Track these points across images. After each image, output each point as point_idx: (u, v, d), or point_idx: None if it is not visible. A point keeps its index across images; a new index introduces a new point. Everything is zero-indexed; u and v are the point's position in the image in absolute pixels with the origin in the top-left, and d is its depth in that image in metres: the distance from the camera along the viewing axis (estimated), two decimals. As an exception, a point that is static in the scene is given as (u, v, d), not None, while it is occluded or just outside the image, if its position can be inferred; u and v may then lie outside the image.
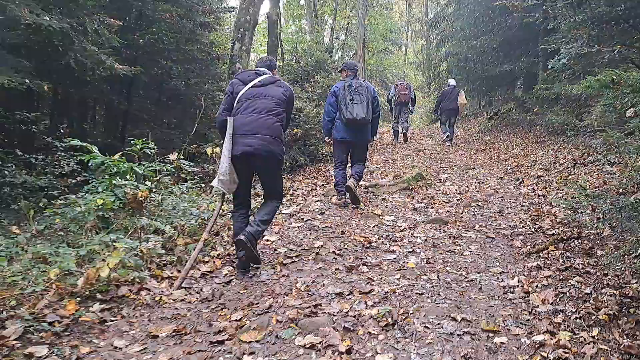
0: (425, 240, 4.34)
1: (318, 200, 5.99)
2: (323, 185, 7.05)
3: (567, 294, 3.13)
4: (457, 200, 5.98)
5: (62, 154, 6.30)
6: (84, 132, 11.18)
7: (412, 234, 4.53)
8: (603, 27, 5.46)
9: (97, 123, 12.05)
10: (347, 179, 5.59)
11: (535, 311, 2.89)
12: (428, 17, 24.50)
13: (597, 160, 6.71)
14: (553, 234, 4.35)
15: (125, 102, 10.89)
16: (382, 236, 4.43)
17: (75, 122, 11.50)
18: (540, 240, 4.23)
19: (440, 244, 4.21)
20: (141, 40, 10.86)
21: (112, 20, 9.19)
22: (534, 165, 7.92)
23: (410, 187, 6.36)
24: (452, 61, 14.99)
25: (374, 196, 6.10)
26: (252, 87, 3.74)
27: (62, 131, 7.06)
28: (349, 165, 5.84)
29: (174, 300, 3.22)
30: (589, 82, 4.08)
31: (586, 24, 5.42)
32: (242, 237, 3.49)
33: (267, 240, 4.38)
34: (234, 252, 3.98)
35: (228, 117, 3.67)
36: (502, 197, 6.11)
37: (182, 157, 5.29)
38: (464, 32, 14.21)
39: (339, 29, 28.76)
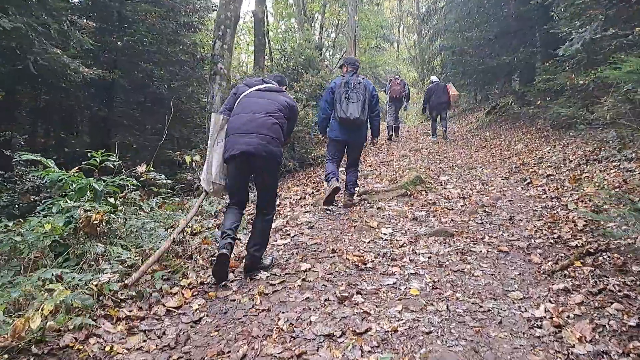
0: (429, 257, 3.75)
1: (307, 212, 5.40)
2: (313, 193, 6.46)
3: (607, 327, 2.56)
4: (462, 206, 5.41)
5: (23, 168, 5.72)
6: (64, 141, 10.57)
7: (413, 249, 3.95)
8: (622, 6, 4.87)
9: (81, 132, 11.42)
10: (338, 176, 5.50)
11: (573, 354, 2.32)
12: (419, 11, 23.91)
13: (612, 156, 6.14)
14: (576, 246, 3.77)
15: (105, 109, 10.28)
16: (378, 254, 3.84)
17: (54, 132, 10.90)
18: (562, 254, 3.66)
19: (447, 262, 3.63)
20: (119, 43, 10.26)
21: (86, 21, 8.61)
22: (541, 162, 7.35)
23: (409, 193, 5.78)
24: (447, 55, 14.42)
25: (368, 205, 5.51)
26: (256, 90, 3.72)
27: (22, 143, 6.44)
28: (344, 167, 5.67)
29: (127, 349, 2.63)
30: (614, 70, 3.51)
31: (603, 2, 4.83)
32: (224, 251, 3.32)
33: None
34: (208, 279, 3.51)
35: (214, 114, 3.74)
36: (511, 200, 5.53)
37: (151, 170, 4.68)
38: (458, 24, 13.65)
39: (330, 27, 28.23)
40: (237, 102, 3.71)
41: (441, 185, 6.58)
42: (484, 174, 7.37)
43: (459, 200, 5.69)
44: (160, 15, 11.01)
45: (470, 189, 6.35)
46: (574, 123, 8.93)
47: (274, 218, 4.19)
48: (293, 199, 6.09)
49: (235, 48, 15.61)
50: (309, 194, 6.37)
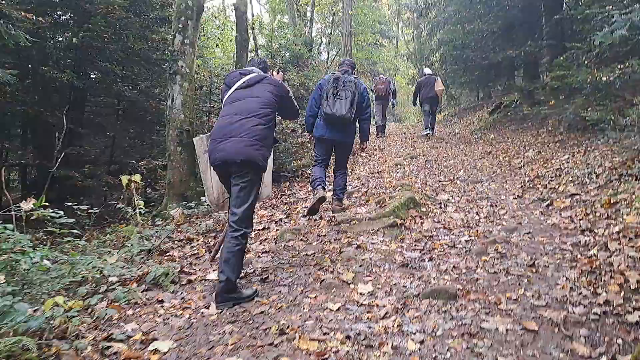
0: (422, 342, 2.54)
1: (265, 252, 4.17)
2: (281, 220, 5.23)
3: None
4: (467, 241, 4.18)
5: None
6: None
7: (399, 325, 2.72)
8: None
9: (26, 140, 10.19)
10: (325, 181, 5.08)
11: None
12: (418, 4, 22.65)
13: (653, 170, 4.93)
14: (638, 324, 2.56)
15: (59, 113, 9.05)
16: (348, 336, 2.62)
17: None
18: (620, 338, 2.44)
19: (449, 355, 2.41)
20: (74, 40, 9.04)
21: (23, 14, 7.41)
22: (560, 176, 6.13)
23: (399, 222, 4.55)
24: (447, 49, 13.18)
25: (346, 240, 4.28)
26: (235, 89, 3.49)
27: None
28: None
29: None
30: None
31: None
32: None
33: None
34: None
35: (196, 138, 3.77)
36: (530, 233, 4.30)
37: (45, 203, 3.45)
38: (459, 15, 12.40)
39: (324, 22, 27.04)
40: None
41: (440, 207, 5.36)
42: (491, 190, 6.15)
43: (462, 232, 4.47)
44: (126, 8, 9.80)
45: (476, 213, 5.13)
46: (594, 127, 7.72)
47: (250, 235, 3.60)
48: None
49: (217, 45, 14.39)
50: (277, 222, 5.15)
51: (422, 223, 4.76)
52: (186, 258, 4.19)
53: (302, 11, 20.13)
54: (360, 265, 3.62)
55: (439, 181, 6.83)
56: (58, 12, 9.61)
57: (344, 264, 3.67)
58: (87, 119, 10.08)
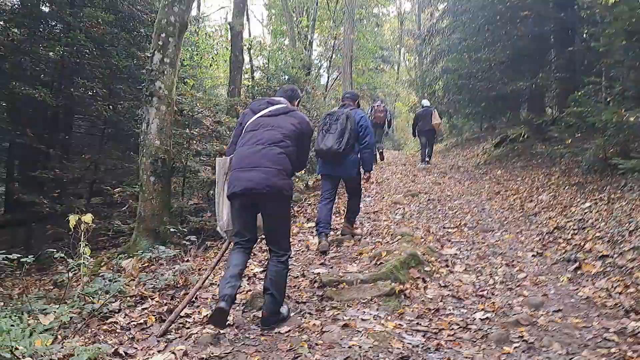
0: None
1: (228, 324, 3.29)
2: (255, 275, 4.35)
3: None
4: (482, 320, 3.34)
5: None
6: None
7: None
8: None
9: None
10: (330, 225, 5.03)
11: None
12: (421, 30, 22.22)
13: None
14: None
15: (31, 133, 8.24)
16: None
17: None
18: None
19: None
20: (51, 54, 8.31)
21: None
22: (584, 229, 5.32)
23: (398, 289, 3.70)
24: (451, 78, 12.51)
25: (331, 312, 3.42)
26: (260, 116, 3.45)
27: None
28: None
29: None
30: None
31: None
32: (223, 305, 2.98)
33: None
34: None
35: (219, 159, 3.63)
36: (560, 311, 3.47)
37: None
38: (465, 43, 11.76)
39: (324, 46, 26.66)
40: (242, 131, 3.47)
41: (446, 265, 4.53)
42: (505, 243, 5.34)
43: (475, 304, 3.64)
44: (111, 23, 9.15)
45: (490, 275, 4.31)
46: (615, 171, 6.95)
47: (289, 258, 3.49)
48: (196, 316, 3.91)
49: (210, 65, 13.73)
50: (250, 277, 4.27)
51: (425, 288, 3.93)
52: (129, 329, 3.33)
53: (303, 34, 19.63)
54: (347, 358, 2.76)
55: (444, 227, 6.01)
56: (41, 24, 8.93)
57: (324, 354, 2.82)
58: (64, 139, 9.28)
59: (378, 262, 4.27)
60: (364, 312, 3.37)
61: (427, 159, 12.08)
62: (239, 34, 12.77)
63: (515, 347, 2.94)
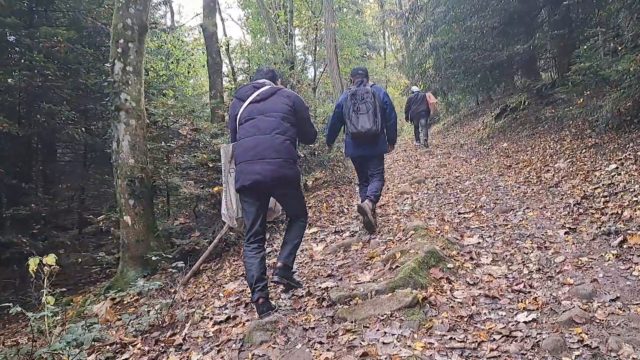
0: None
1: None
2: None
3: None
4: (526, 322, 2.75)
5: None
6: None
7: None
8: None
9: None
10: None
11: None
12: (403, 9, 21.55)
13: None
14: None
15: None
16: None
17: None
18: None
19: None
20: (10, 80, 7.70)
21: None
22: (616, 194, 4.72)
23: (421, 297, 3.10)
24: (442, 52, 11.88)
25: (345, 337, 2.81)
26: (250, 103, 3.37)
27: None
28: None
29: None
30: None
31: None
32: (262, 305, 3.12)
33: None
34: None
35: (223, 146, 3.59)
36: (618, 299, 2.87)
37: None
38: (452, 13, 11.10)
39: (306, 39, 26.07)
40: (237, 122, 3.41)
41: (471, 258, 3.93)
42: (530, 223, 4.74)
43: (514, 303, 3.05)
44: (74, 40, 8.56)
45: (523, 263, 3.72)
46: (632, 125, 6.37)
47: (307, 219, 3.79)
48: (208, 330, 3.36)
49: (188, 72, 13.13)
50: (247, 304, 3.67)
51: (452, 290, 3.33)
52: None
53: (283, 29, 18.97)
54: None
55: (459, 213, 5.41)
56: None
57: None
58: (40, 170, 8.71)
59: (393, 266, 3.67)
60: (385, 332, 2.77)
61: (424, 140, 12.16)
62: (212, 34, 12.12)
63: (577, 356, 2.35)
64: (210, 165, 5.51)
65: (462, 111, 18.12)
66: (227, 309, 3.62)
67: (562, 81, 8.44)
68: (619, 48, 6.26)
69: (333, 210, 6.34)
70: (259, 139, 3.23)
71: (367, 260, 4.11)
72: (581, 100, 6.88)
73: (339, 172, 8.57)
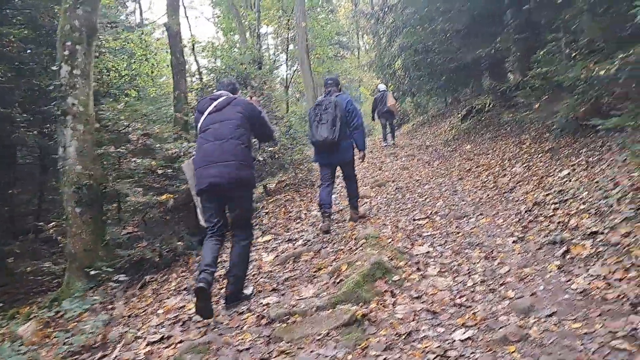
0: None
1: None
2: (191, 319, 3.60)
3: None
4: (462, 340, 2.70)
5: None
6: None
7: None
8: None
9: None
10: (331, 204, 5.30)
11: None
12: (374, 9, 21.57)
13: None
14: None
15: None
16: None
17: None
18: None
19: None
20: (-47, 82, 7.36)
21: None
22: (565, 201, 4.76)
23: (360, 314, 3.03)
24: (408, 54, 11.89)
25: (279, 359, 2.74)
26: (208, 114, 3.65)
27: None
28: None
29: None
30: None
31: None
32: (202, 284, 3.22)
33: None
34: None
35: (185, 163, 3.88)
36: (555, 314, 2.85)
37: None
38: (418, 15, 11.12)
39: (278, 37, 25.90)
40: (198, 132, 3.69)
41: (418, 269, 3.88)
42: (481, 230, 4.74)
43: (454, 318, 3.01)
44: (29, 39, 8.23)
45: (469, 275, 3.69)
46: (587, 130, 6.46)
47: (251, 242, 3.85)
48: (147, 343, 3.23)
49: (152, 72, 12.83)
50: (185, 322, 3.53)
51: (394, 304, 3.28)
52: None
53: (253, 28, 18.76)
54: None
55: (414, 220, 5.39)
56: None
57: None
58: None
59: (338, 280, 3.61)
60: (318, 354, 2.69)
61: (391, 140, 12.60)
62: (176, 34, 11.84)
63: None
64: (160, 172, 5.34)
65: (431, 112, 18.25)
66: (163, 327, 3.49)
67: (523, 84, 8.52)
68: (574, 54, 6.33)
69: (290, 216, 6.25)
70: (216, 145, 3.46)
71: (315, 272, 4.03)
72: (538, 105, 6.95)
73: (302, 175, 8.48)
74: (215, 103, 3.67)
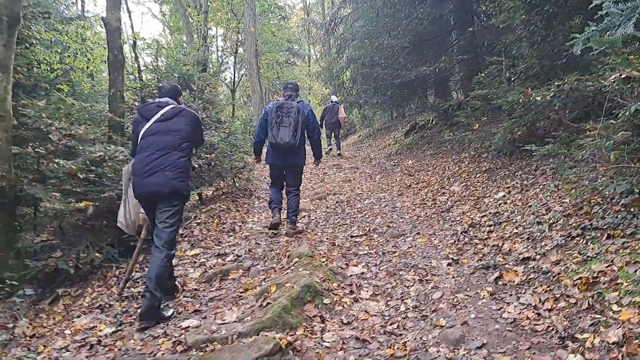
0: None
1: None
2: (102, 341, 3.24)
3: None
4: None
5: None
6: None
7: None
8: None
9: None
10: (281, 203, 5.49)
11: None
12: (325, 19, 21.64)
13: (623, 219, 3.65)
14: None
15: None
16: None
17: None
18: None
19: None
20: None
21: None
22: (500, 224, 4.78)
23: (285, 342, 2.80)
24: (356, 67, 11.90)
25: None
26: (155, 122, 3.66)
27: None
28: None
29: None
30: None
31: None
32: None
33: None
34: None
35: (127, 167, 3.94)
36: (484, 346, 2.76)
37: None
38: (365, 29, 11.17)
39: (228, 40, 25.42)
40: (139, 139, 3.66)
41: (351, 291, 3.72)
42: (417, 250, 4.66)
43: (383, 346, 2.85)
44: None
45: (402, 298, 3.57)
46: (521, 153, 6.62)
47: (173, 255, 3.67)
48: None
49: (87, 67, 12.09)
50: (95, 344, 3.19)
51: (323, 330, 3.09)
52: None
53: (201, 29, 18.21)
54: None
55: (352, 236, 5.25)
56: None
57: None
58: None
59: (265, 303, 3.36)
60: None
61: (337, 151, 12.74)
62: (115, 30, 11.20)
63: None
64: (81, 177, 4.89)
65: (377, 125, 18.44)
66: (68, 351, 3.11)
67: (465, 104, 8.69)
68: (513, 78, 6.48)
69: (224, 227, 5.94)
70: (157, 155, 3.52)
71: (242, 292, 3.77)
72: (477, 126, 7.06)
73: (240, 183, 8.18)
74: (162, 112, 3.68)
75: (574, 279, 3.25)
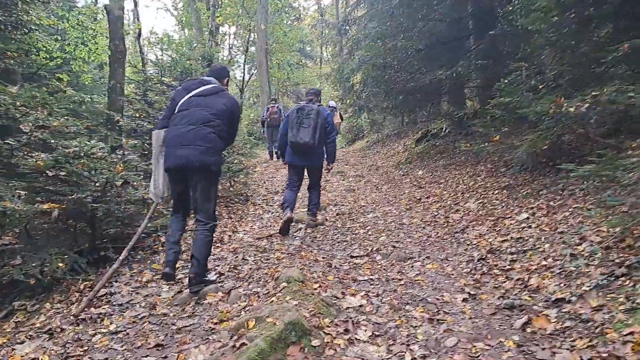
0: None
1: None
2: None
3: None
4: None
5: None
6: None
7: None
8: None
9: None
10: (294, 204, 5.55)
11: None
12: (338, 20, 21.06)
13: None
14: None
15: None
16: None
17: None
18: None
19: None
20: None
21: None
22: (525, 251, 4.13)
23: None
24: (366, 69, 11.26)
25: None
26: (192, 96, 3.79)
27: None
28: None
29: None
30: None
31: None
32: (167, 270, 3.71)
33: None
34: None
35: (155, 132, 3.90)
36: None
37: None
38: (379, 29, 10.54)
39: (240, 39, 25.01)
40: (176, 109, 3.80)
41: (346, 330, 3.08)
42: (427, 278, 4.02)
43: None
44: None
45: (407, 343, 2.92)
46: (548, 169, 5.98)
47: (214, 227, 3.85)
48: None
49: (88, 57, 11.58)
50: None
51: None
52: None
53: (206, 23, 17.71)
54: None
55: (351, 257, 4.61)
56: None
57: None
58: None
59: (238, 343, 2.73)
60: None
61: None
62: (118, 19, 10.73)
63: None
64: (51, 174, 4.31)
65: (386, 130, 17.78)
66: None
67: (482, 113, 8.03)
68: (540, 87, 5.82)
69: (211, 238, 5.33)
70: (188, 129, 3.61)
71: (215, 324, 3.15)
72: (497, 137, 6.40)
73: (236, 187, 7.58)
74: (203, 88, 3.81)
75: (623, 333, 2.61)
